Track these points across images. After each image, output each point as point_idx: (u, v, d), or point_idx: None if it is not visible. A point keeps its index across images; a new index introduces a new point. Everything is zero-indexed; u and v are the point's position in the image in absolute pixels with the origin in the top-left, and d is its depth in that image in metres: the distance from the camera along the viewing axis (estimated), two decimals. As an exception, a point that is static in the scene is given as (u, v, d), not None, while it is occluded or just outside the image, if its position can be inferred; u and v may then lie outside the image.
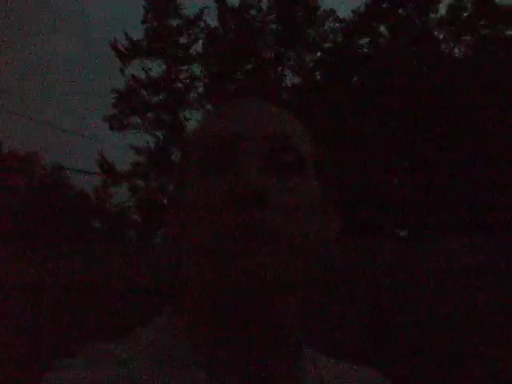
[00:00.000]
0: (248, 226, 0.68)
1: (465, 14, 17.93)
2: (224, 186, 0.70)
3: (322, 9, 18.99)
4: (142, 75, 19.70)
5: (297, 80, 18.74)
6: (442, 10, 18.48)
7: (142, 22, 19.53)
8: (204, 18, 19.12)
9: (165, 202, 20.80)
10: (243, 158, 0.72)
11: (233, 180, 0.70)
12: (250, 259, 0.67)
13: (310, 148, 0.80)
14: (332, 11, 18.76)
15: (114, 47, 19.76)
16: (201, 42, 19.31)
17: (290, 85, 18.76)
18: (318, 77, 18.45)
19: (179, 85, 19.63)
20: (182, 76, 19.64)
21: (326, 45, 18.78)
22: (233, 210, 0.69)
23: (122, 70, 19.82)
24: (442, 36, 18.28)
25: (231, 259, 0.68)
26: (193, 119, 20.11)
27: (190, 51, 19.13)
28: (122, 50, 19.68)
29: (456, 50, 18.05)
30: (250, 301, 0.69)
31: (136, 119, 19.88)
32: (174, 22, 19.07)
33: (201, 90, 19.37)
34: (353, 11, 17.65)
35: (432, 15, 18.21)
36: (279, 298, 0.72)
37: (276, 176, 0.72)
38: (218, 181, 0.71)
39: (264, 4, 19.38)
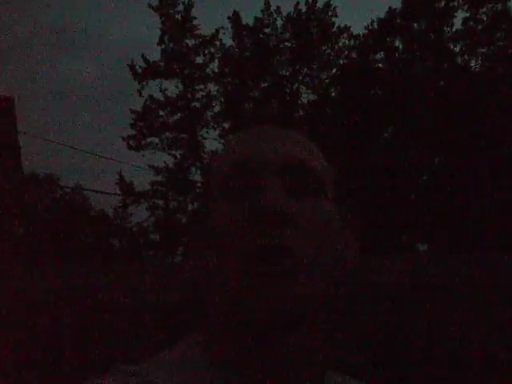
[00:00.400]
0: (272, 248, 0.69)
1: (480, 27, 17.91)
2: (247, 209, 0.72)
3: (336, 26, 19.11)
4: (159, 95, 19.95)
5: (312, 97, 18.81)
6: (457, 23, 18.47)
7: (159, 44, 19.82)
8: (220, 37, 19.35)
9: (183, 221, 20.89)
10: (265, 182, 0.74)
11: (256, 204, 0.72)
12: (274, 281, 0.68)
13: (328, 170, 0.82)
14: (346, 28, 18.87)
15: (132, 69, 20.07)
16: (217, 61, 19.52)
17: (305, 101, 18.82)
18: (334, 93, 18.49)
19: (196, 104, 19.81)
20: (198, 95, 19.83)
21: (341, 61, 18.85)
22: (256, 232, 0.70)
23: (139, 91, 20.09)
24: (457, 49, 18.26)
25: (254, 281, 0.69)
26: (210, 138, 20.28)
27: (206, 70, 19.34)
28: (140, 71, 19.98)
29: (472, 63, 18.01)
30: (274, 323, 0.70)
31: (153, 139, 20.07)
32: (190, 43, 19.31)
33: (217, 108, 19.53)
34: (366, 28, 17.72)
35: (447, 29, 18.22)
36: (302, 321, 0.72)
37: (297, 200, 0.74)
38: (241, 205, 0.73)
39: (278, 22, 19.59)
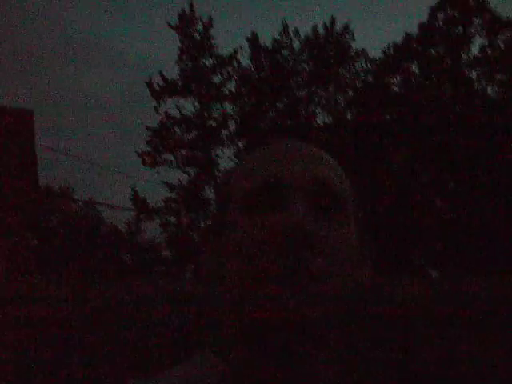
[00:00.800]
0: (295, 267, 0.69)
1: (497, 54, 17.93)
2: (273, 228, 0.72)
3: (354, 49, 19.23)
4: (176, 113, 20.13)
5: (328, 119, 18.88)
6: (474, 49, 18.50)
7: (177, 62, 20.05)
8: (237, 57, 19.54)
9: (195, 238, 20.91)
10: (288, 200, 0.74)
11: (282, 224, 0.72)
12: (295, 301, 0.69)
13: (349, 189, 0.82)
14: (363, 51, 18.98)
15: (149, 86, 20.29)
16: (234, 81, 19.69)
17: (321, 123, 18.88)
18: (349, 116, 18.55)
19: (211, 123, 19.95)
20: (214, 114, 19.98)
21: (357, 84, 18.92)
22: (281, 250, 0.71)
23: (155, 108, 20.29)
24: (474, 75, 18.27)
25: (275, 299, 0.70)
26: (224, 157, 20.36)
27: (223, 90, 19.50)
28: (157, 88, 20.19)
29: (489, 90, 18.00)
30: (291, 342, 0.70)
31: (168, 156, 20.20)
32: (208, 62, 19.52)
33: (233, 128, 19.64)
34: (383, 51, 17.82)
35: (464, 55, 18.26)
36: (318, 340, 0.73)
37: (319, 219, 0.74)
38: (267, 223, 0.73)
39: (296, 44, 19.76)
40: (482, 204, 12.32)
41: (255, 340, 0.74)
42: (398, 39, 17.50)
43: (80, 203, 29.05)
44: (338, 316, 0.75)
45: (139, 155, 20.35)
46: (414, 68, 17.60)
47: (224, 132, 19.79)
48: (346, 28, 19.40)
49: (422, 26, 17.82)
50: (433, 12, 18.24)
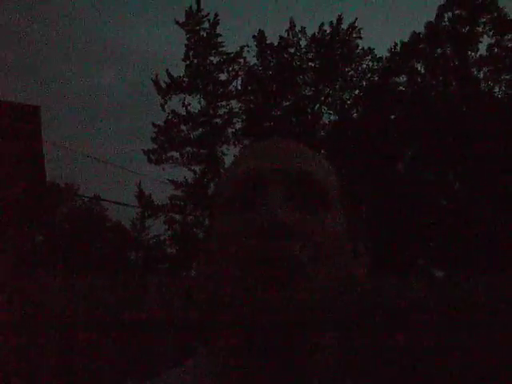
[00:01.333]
0: (275, 257, 0.70)
1: (504, 53, 17.86)
2: (251, 220, 0.73)
3: (360, 47, 19.18)
4: (182, 110, 20.14)
5: (334, 117, 18.85)
6: (482, 48, 18.44)
7: (184, 59, 20.04)
8: (244, 55, 19.52)
9: (200, 235, 20.93)
10: (268, 194, 0.75)
11: (259, 215, 0.73)
12: (276, 291, 0.69)
13: (336, 183, 0.82)
14: (370, 50, 18.93)
15: (156, 83, 20.30)
16: (240, 78, 19.68)
17: (327, 121, 18.86)
18: (355, 114, 18.52)
19: (217, 120, 19.94)
20: (220, 112, 19.97)
21: (364, 83, 18.89)
22: (260, 242, 0.71)
23: (162, 105, 20.30)
24: (481, 75, 18.21)
25: (258, 289, 0.70)
26: (230, 154, 20.36)
27: (229, 88, 19.50)
28: (163, 86, 20.20)
29: (496, 89, 17.93)
30: (277, 333, 0.70)
31: (174, 153, 20.21)
32: (215, 59, 19.51)
33: (238, 125, 19.64)
34: (389, 50, 17.77)
35: (471, 54, 18.20)
36: (305, 332, 0.73)
37: (300, 211, 0.74)
38: (245, 216, 0.74)
39: (302, 42, 19.72)
40: (486, 204, 12.28)
41: (249, 342, 0.74)
42: (406, 39, 17.45)
43: (85, 199, 29.14)
44: (324, 304, 0.74)
45: (145, 153, 20.40)
46: (421, 67, 17.55)
47: (230, 130, 19.80)
48: (353, 26, 19.34)
49: (429, 25, 17.76)
50: (440, 11, 18.18)
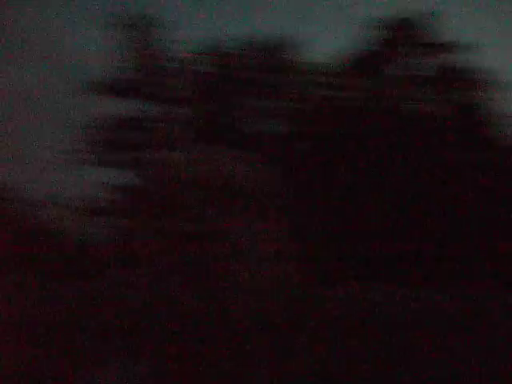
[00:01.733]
0: (197, 259, 0.82)
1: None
2: (174, 228, 0.87)
3: (305, 61, 19.74)
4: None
5: (279, 129, 19.21)
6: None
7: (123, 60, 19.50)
8: (189, 62, 19.37)
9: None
10: (192, 200, 0.90)
11: (181, 222, 0.87)
12: (201, 293, 0.79)
13: (268, 187, 0.96)
14: (315, 64, 19.55)
15: (92, 84, 19.58)
16: (185, 85, 19.50)
17: (272, 133, 19.18)
18: (300, 126, 19.04)
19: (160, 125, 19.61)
20: (162, 117, 19.65)
21: (307, 96, 19.46)
22: (182, 247, 0.84)
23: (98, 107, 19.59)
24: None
25: (180, 290, 0.80)
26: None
27: (177, 93, 19.25)
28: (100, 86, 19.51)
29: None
30: (203, 338, 0.80)
31: (112, 157, 19.57)
32: (161, 65, 19.19)
33: (183, 132, 19.41)
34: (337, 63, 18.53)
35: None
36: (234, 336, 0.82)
37: (224, 215, 0.89)
38: (169, 222, 0.89)
39: (247, 51, 19.91)
40: (467, 218, 13.13)
41: (173, 343, 0.88)
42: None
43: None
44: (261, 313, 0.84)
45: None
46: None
47: (173, 135, 19.48)
48: (296, 38, 19.88)
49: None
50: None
